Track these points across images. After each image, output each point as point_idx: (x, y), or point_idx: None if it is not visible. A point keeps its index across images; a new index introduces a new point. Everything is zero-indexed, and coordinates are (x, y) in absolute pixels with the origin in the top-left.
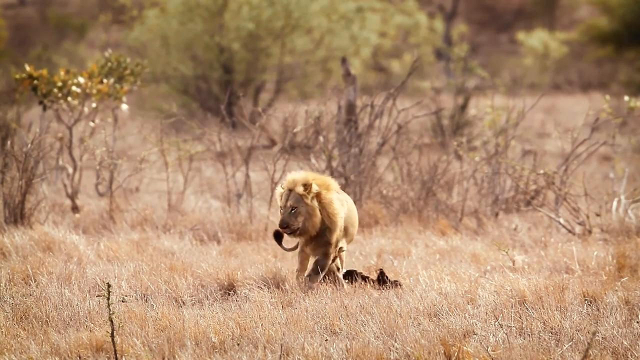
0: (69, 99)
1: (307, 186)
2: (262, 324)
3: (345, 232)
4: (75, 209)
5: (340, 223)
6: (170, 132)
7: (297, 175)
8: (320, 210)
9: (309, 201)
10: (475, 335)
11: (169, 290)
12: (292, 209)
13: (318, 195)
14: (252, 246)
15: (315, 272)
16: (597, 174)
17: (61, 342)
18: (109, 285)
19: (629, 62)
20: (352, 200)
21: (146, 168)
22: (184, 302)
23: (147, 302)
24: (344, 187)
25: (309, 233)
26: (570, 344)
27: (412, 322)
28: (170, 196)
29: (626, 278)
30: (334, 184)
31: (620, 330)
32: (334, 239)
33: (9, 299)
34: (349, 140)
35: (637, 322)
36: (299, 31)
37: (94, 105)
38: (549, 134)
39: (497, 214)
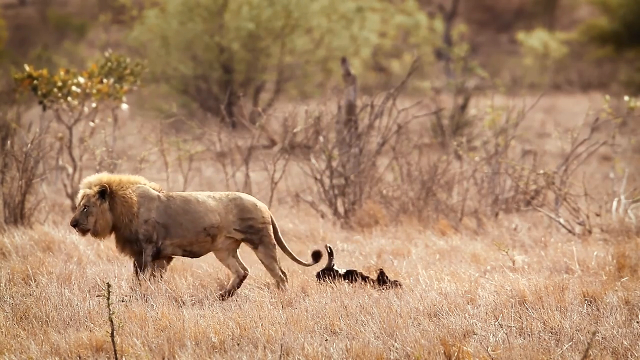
0: (69, 99)
1: (99, 187)
2: (262, 324)
3: (167, 231)
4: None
5: (137, 217)
6: (170, 132)
7: (92, 177)
8: (117, 209)
9: (98, 202)
10: (475, 335)
11: (169, 290)
12: (84, 209)
13: (114, 195)
14: None
15: (137, 272)
16: (597, 174)
17: (61, 342)
18: (109, 285)
19: (629, 62)
20: (195, 197)
21: (146, 168)
22: (184, 302)
23: (147, 302)
24: (343, 187)
25: (100, 234)
26: (570, 344)
27: (412, 322)
28: None
29: (626, 278)
30: (133, 182)
31: (620, 330)
32: (137, 234)
33: (9, 299)
34: (349, 140)
35: (637, 322)
36: (299, 31)
37: (94, 105)
38: (549, 134)
39: (497, 214)
